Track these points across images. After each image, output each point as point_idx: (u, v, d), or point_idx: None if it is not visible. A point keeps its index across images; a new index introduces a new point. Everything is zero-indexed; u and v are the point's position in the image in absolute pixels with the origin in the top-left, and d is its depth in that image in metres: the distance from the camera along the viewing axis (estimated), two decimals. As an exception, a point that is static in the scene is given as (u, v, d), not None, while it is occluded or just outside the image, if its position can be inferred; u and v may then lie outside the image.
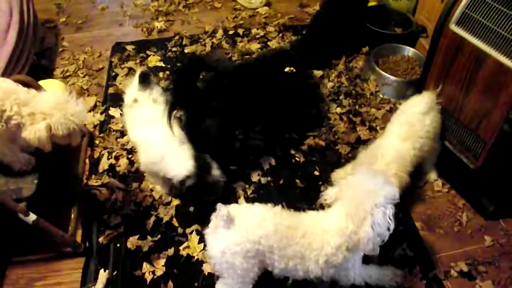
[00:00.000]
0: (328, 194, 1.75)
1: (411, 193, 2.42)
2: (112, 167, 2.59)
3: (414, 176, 2.22)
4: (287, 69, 2.63)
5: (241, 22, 3.85)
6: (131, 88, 2.30)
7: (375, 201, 1.57)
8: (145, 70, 2.04)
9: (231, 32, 3.71)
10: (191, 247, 2.20)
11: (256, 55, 3.38)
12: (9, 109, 1.78)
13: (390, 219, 1.59)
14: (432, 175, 2.49)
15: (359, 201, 1.59)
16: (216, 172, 2.14)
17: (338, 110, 2.91)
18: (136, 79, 2.07)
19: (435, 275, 2.10)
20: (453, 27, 2.10)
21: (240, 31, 3.70)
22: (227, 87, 2.30)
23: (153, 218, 2.32)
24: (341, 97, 3.00)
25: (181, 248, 2.20)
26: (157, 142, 2.15)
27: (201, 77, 2.33)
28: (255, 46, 3.51)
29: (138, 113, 2.23)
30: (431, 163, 2.46)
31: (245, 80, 2.40)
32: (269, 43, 3.56)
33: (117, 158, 2.64)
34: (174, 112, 2.23)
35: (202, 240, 2.21)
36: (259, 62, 2.64)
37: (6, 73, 2.49)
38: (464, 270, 2.11)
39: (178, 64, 2.36)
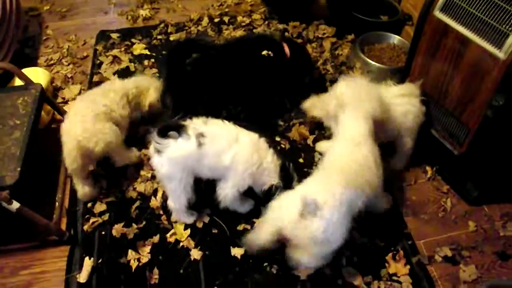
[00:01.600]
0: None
1: (395, 179, 2.44)
2: (97, 155, 2.56)
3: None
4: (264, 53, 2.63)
5: (227, 9, 3.83)
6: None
7: None
8: (163, 123, 2.00)
9: (216, 20, 3.68)
10: (177, 233, 2.20)
11: (239, 37, 3.37)
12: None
13: None
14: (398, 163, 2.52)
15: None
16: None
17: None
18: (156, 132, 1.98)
19: (419, 260, 2.12)
20: (437, 13, 2.10)
21: (226, 18, 3.68)
22: (214, 66, 2.31)
23: (137, 205, 2.32)
24: (327, 84, 3.00)
25: (167, 235, 2.20)
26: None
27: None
28: (240, 34, 3.49)
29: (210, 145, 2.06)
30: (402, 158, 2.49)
31: (230, 61, 2.44)
32: (254, 31, 3.54)
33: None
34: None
35: (188, 226, 2.22)
36: (243, 44, 2.66)
37: (-12, 61, 2.47)
38: (448, 255, 2.14)
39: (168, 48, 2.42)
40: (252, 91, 2.57)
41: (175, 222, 2.24)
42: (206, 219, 2.25)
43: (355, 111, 2.03)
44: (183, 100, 2.36)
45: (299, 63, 2.80)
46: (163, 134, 1.94)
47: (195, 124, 1.99)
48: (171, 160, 1.97)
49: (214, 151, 1.99)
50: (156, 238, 2.19)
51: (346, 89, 2.12)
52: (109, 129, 2.26)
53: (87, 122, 2.20)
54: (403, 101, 2.26)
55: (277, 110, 2.84)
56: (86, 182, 2.32)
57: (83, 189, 2.30)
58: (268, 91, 2.73)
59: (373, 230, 2.21)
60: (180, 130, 1.94)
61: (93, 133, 2.18)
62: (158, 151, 1.96)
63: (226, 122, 2.09)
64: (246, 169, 2.03)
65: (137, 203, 2.33)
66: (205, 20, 3.66)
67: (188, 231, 2.21)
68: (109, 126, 2.26)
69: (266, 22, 3.62)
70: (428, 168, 2.50)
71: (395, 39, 3.19)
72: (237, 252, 2.13)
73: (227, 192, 2.10)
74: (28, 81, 2.43)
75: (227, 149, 2.00)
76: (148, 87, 2.60)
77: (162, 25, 3.61)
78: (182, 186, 2.06)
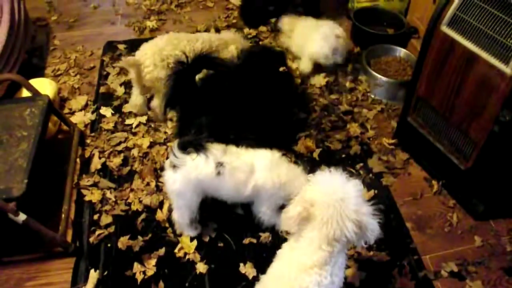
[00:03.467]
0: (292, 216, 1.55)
1: (401, 193, 2.44)
2: (103, 167, 2.58)
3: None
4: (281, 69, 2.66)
5: (234, 21, 3.83)
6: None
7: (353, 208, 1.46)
8: (186, 138, 2.01)
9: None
10: (184, 247, 2.20)
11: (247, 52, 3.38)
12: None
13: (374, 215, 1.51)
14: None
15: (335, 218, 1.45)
16: None
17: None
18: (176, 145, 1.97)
19: (425, 275, 2.10)
20: (444, 28, 2.10)
21: (232, 30, 3.68)
22: (225, 87, 2.31)
23: (143, 218, 2.32)
24: (332, 96, 3.01)
25: (172, 248, 2.20)
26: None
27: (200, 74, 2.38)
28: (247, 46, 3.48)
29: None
30: None
31: (243, 83, 2.43)
32: (260, 43, 3.55)
33: (108, 157, 2.63)
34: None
35: (193, 240, 2.21)
36: (252, 59, 2.67)
37: (-4, 71, 2.49)
38: (454, 271, 2.12)
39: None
40: (269, 108, 2.56)
41: (181, 235, 2.24)
42: (213, 234, 2.25)
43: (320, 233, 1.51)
44: (190, 116, 2.36)
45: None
46: (184, 148, 1.93)
47: (215, 151, 1.96)
48: (184, 178, 1.96)
49: (232, 183, 1.99)
50: (162, 251, 2.18)
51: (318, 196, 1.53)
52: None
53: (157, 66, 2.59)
54: None
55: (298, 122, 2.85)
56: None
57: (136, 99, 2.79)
58: (285, 105, 2.75)
59: (379, 244, 2.21)
60: (200, 149, 1.92)
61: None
62: (174, 166, 1.95)
63: (243, 150, 2.09)
64: (272, 194, 2.05)
65: (143, 216, 2.33)
66: (212, 31, 3.66)
67: (195, 243, 2.20)
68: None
69: (273, 34, 3.63)
70: (434, 182, 2.49)
71: (401, 52, 3.19)
72: (246, 270, 2.11)
73: (266, 216, 2.14)
74: (35, 93, 2.44)
75: (246, 181, 2.00)
76: (230, 42, 2.91)
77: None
78: (189, 204, 2.07)
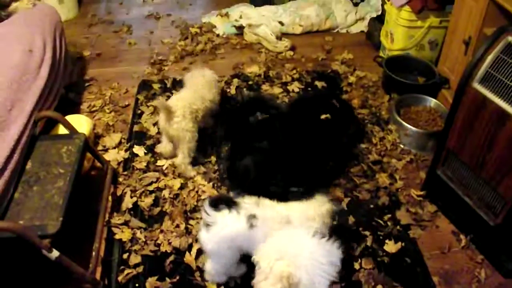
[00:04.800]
0: None
1: (429, 246, 2.43)
2: (134, 206, 2.62)
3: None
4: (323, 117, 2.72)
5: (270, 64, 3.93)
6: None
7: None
8: (216, 195, 2.03)
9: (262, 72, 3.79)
10: (209, 290, 2.22)
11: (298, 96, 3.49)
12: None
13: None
14: None
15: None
16: None
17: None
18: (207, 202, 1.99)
19: (451, 332, 2.08)
20: (476, 85, 2.13)
21: (272, 73, 3.78)
22: (276, 130, 2.41)
23: (172, 260, 2.34)
24: (362, 145, 3.04)
25: (199, 291, 2.22)
26: None
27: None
28: (277, 91, 3.56)
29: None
30: None
31: (292, 126, 2.54)
32: (288, 87, 3.61)
33: (140, 197, 2.68)
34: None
35: (221, 285, 2.22)
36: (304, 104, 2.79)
37: (37, 107, 2.56)
38: (481, 328, 2.10)
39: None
40: (309, 155, 2.62)
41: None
42: (239, 279, 2.25)
43: None
44: (239, 154, 2.45)
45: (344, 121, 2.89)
46: (214, 205, 1.94)
47: (247, 204, 1.97)
48: (216, 237, 1.94)
49: (267, 234, 1.94)
50: (189, 294, 2.20)
51: None
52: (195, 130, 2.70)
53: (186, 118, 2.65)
54: None
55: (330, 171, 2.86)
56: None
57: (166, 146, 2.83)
58: (323, 155, 2.77)
59: (405, 298, 2.20)
60: (231, 205, 1.93)
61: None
62: (207, 225, 1.94)
63: (277, 203, 2.09)
64: None
65: (172, 258, 2.35)
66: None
67: (221, 288, 2.22)
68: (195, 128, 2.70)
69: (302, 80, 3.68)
70: (462, 236, 2.47)
71: (431, 102, 3.21)
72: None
73: None
74: (72, 130, 2.51)
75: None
76: None
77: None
78: (223, 262, 2.06)
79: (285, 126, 2.50)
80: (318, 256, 1.56)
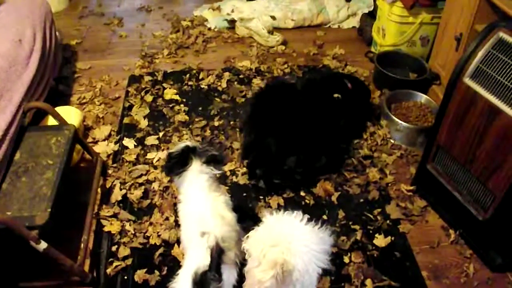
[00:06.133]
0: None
1: (418, 240, 2.44)
2: (124, 199, 2.61)
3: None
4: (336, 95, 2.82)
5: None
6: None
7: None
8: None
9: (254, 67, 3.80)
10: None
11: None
12: None
13: None
14: None
15: None
16: None
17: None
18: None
19: (440, 326, 2.09)
20: (467, 80, 2.13)
21: (263, 67, 3.79)
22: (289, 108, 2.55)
23: (161, 252, 2.34)
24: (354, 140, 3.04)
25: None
26: None
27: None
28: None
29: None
30: None
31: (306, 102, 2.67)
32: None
33: (129, 189, 2.66)
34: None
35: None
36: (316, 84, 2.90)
37: (26, 98, 2.53)
38: (469, 323, 2.11)
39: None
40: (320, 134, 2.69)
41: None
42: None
43: None
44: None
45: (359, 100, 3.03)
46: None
47: None
48: None
49: None
50: (177, 286, 2.19)
51: None
52: None
53: None
54: None
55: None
56: None
57: None
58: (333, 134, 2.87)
59: (394, 292, 2.20)
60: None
61: None
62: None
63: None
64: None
65: (161, 250, 2.34)
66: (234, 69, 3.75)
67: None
68: None
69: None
70: (451, 231, 2.48)
71: (422, 98, 3.22)
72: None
73: None
74: (62, 122, 2.49)
75: None
76: None
77: (194, 71, 3.70)
78: None
79: (297, 103, 2.61)
80: (312, 244, 1.55)
